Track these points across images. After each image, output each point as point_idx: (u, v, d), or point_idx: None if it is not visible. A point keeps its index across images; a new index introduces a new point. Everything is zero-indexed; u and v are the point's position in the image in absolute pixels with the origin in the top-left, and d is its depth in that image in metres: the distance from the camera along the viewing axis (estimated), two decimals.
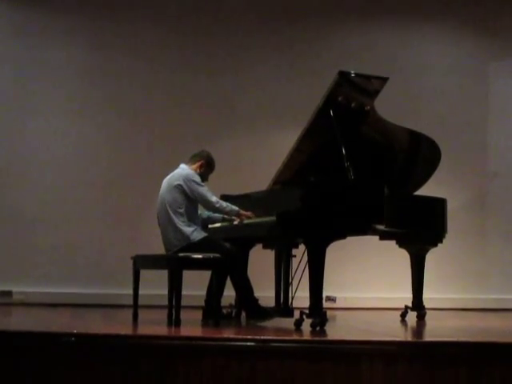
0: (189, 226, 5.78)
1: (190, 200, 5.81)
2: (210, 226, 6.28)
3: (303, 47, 8.59)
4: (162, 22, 8.46)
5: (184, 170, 5.94)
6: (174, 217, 5.80)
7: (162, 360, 4.52)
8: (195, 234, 5.78)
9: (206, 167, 6.03)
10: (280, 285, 6.31)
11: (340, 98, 5.97)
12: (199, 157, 6.05)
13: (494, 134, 8.90)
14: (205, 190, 5.81)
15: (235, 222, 5.90)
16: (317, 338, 4.98)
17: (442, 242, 6.66)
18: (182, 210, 5.80)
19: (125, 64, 8.39)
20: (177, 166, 6.02)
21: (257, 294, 5.87)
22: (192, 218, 5.85)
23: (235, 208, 5.85)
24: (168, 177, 5.99)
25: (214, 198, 5.82)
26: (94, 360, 4.53)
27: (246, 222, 5.84)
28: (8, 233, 8.06)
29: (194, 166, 6.00)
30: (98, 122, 8.33)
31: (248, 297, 5.84)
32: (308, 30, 8.60)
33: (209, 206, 5.89)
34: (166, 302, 5.72)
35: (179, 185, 5.81)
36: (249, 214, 5.84)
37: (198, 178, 5.85)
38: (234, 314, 6.25)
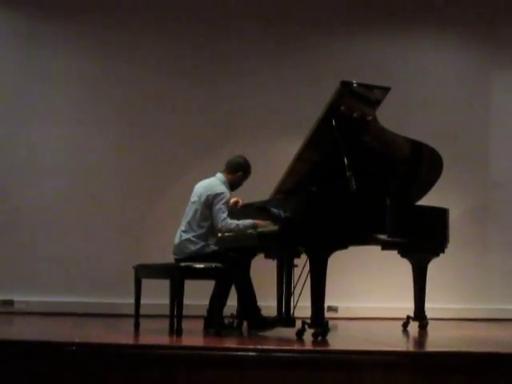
0: (204, 240, 5.85)
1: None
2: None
3: (305, 56, 8.60)
4: (164, 31, 8.45)
5: (219, 180, 5.98)
6: (194, 227, 5.87)
7: (163, 370, 4.52)
8: (206, 247, 5.84)
9: (243, 177, 6.12)
10: (282, 294, 6.30)
11: (342, 108, 5.98)
12: (238, 167, 6.08)
13: (496, 143, 8.90)
14: (221, 212, 5.79)
15: (249, 231, 5.89)
16: (319, 348, 4.98)
17: (443, 251, 6.65)
18: (206, 224, 5.85)
19: (127, 72, 8.38)
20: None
21: (259, 303, 5.88)
22: (211, 233, 5.91)
23: (248, 223, 5.81)
24: (204, 183, 6.03)
25: (220, 224, 5.78)
26: (95, 369, 4.53)
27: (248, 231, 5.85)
28: (10, 242, 8.04)
29: (230, 177, 6.04)
30: (100, 130, 8.32)
31: (251, 306, 5.84)
32: (309, 39, 8.61)
33: (216, 229, 5.90)
34: (167, 312, 5.71)
35: (209, 199, 5.84)
36: (265, 223, 5.77)
37: (224, 199, 5.83)
38: (235, 323, 6.24)
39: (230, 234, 6.08)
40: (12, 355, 4.56)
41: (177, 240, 5.93)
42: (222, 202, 5.83)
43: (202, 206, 5.88)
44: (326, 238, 5.43)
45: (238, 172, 6.07)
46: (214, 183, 5.98)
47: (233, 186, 6.07)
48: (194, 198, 6.02)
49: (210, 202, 5.84)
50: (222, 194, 5.85)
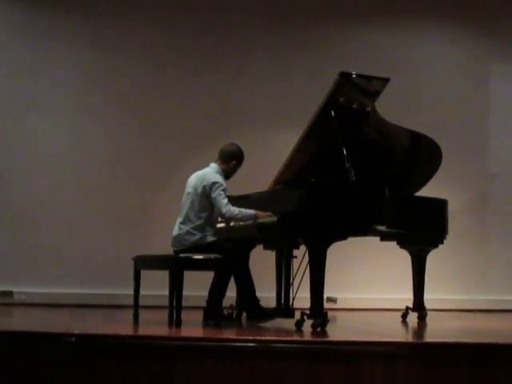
0: (202, 231, 5.81)
1: (212, 205, 5.83)
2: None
3: (304, 48, 8.58)
4: (163, 22, 8.45)
5: (213, 170, 5.93)
6: (193, 218, 5.83)
7: (162, 360, 4.52)
8: (205, 238, 5.80)
9: (237, 165, 6.04)
10: (281, 285, 6.31)
11: (341, 99, 5.97)
12: (232, 156, 6.00)
13: (495, 134, 8.90)
14: (221, 197, 5.76)
15: (248, 222, 5.86)
16: (318, 339, 4.98)
17: (442, 242, 6.66)
18: (204, 215, 5.82)
19: (126, 63, 8.38)
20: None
21: (258, 294, 5.88)
22: (210, 223, 5.87)
23: (250, 213, 5.78)
24: (198, 174, 5.98)
25: (224, 209, 5.73)
26: (95, 360, 4.54)
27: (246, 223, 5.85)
28: (9, 233, 8.05)
29: (225, 166, 5.98)
30: (98, 121, 8.33)
31: (250, 297, 5.84)
32: (309, 30, 8.60)
33: (220, 214, 5.88)
34: (166, 303, 5.72)
35: (206, 188, 5.81)
36: (266, 214, 5.73)
37: (221, 186, 5.79)
38: (234, 314, 6.24)
39: (230, 224, 6.08)
40: (11, 346, 4.57)
41: (175, 232, 5.91)
42: (220, 189, 5.79)
43: (200, 197, 5.84)
44: (326, 229, 5.43)
45: (231, 161, 6.01)
46: (208, 173, 5.93)
47: (227, 174, 6.01)
48: (188, 189, 5.98)
49: (207, 192, 5.82)
50: (217, 182, 5.81)
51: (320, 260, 5.41)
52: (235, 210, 5.78)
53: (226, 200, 5.79)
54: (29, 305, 7.71)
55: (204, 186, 5.83)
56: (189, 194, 5.95)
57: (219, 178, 5.88)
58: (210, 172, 5.95)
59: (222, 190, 5.81)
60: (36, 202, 8.13)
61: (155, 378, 4.51)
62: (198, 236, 5.80)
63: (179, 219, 5.94)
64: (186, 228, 5.84)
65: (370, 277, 8.29)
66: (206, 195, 5.83)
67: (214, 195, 5.78)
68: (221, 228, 6.19)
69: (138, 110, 8.35)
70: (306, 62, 8.53)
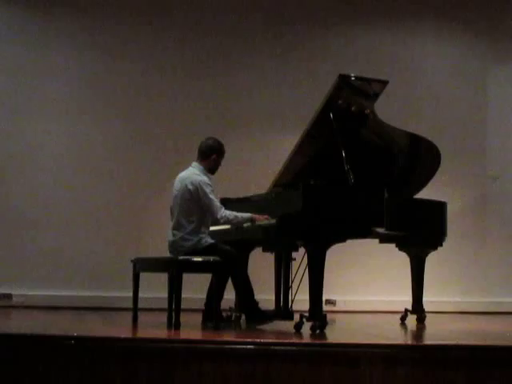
0: (197, 234, 5.78)
1: (202, 208, 5.80)
2: (211, 227, 6.25)
3: (303, 50, 8.59)
4: (161, 25, 8.45)
5: (196, 170, 5.89)
6: (184, 223, 5.78)
7: (161, 363, 4.52)
8: (201, 242, 5.78)
9: (219, 157, 5.99)
10: (280, 288, 6.31)
11: (340, 102, 5.98)
12: (210, 151, 5.95)
13: (494, 137, 8.90)
14: (213, 202, 5.74)
15: (245, 225, 5.85)
16: (317, 341, 4.99)
17: (441, 245, 6.66)
18: (194, 218, 5.78)
19: (124, 65, 8.38)
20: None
21: (257, 296, 5.87)
22: (203, 225, 5.83)
23: (246, 216, 5.77)
24: (182, 176, 5.94)
25: (219, 215, 5.72)
26: (94, 363, 4.53)
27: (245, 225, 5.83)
28: (8, 235, 8.05)
29: (205, 162, 5.94)
30: (98, 123, 8.33)
31: (248, 300, 5.83)
32: (307, 33, 8.61)
33: (214, 220, 5.86)
34: (165, 305, 5.71)
35: (192, 192, 5.77)
36: (263, 217, 5.72)
37: (209, 188, 5.77)
38: (233, 317, 6.24)
39: (228, 226, 6.07)
40: (10, 349, 4.56)
41: (170, 237, 5.88)
42: (208, 191, 5.75)
43: (187, 202, 5.79)
44: (325, 232, 5.43)
45: (211, 155, 5.96)
46: (190, 175, 5.87)
47: (211, 170, 5.96)
48: (175, 192, 5.93)
49: (194, 196, 5.77)
50: (204, 184, 5.76)
51: (319, 262, 5.41)
52: (230, 214, 5.75)
53: (218, 203, 5.77)
54: (28, 307, 7.70)
55: (189, 190, 5.79)
56: (176, 197, 5.90)
57: (203, 179, 5.82)
58: (193, 173, 5.89)
59: (211, 192, 5.76)
60: (35, 204, 8.13)
61: (154, 380, 4.51)
62: (193, 241, 5.76)
63: (171, 224, 5.91)
64: (179, 234, 5.80)
65: (369, 279, 8.29)
66: (193, 199, 5.78)
67: (205, 201, 5.74)
68: (219, 230, 6.18)
69: (137, 112, 8.36)
70: (305, 64, 8.54)
